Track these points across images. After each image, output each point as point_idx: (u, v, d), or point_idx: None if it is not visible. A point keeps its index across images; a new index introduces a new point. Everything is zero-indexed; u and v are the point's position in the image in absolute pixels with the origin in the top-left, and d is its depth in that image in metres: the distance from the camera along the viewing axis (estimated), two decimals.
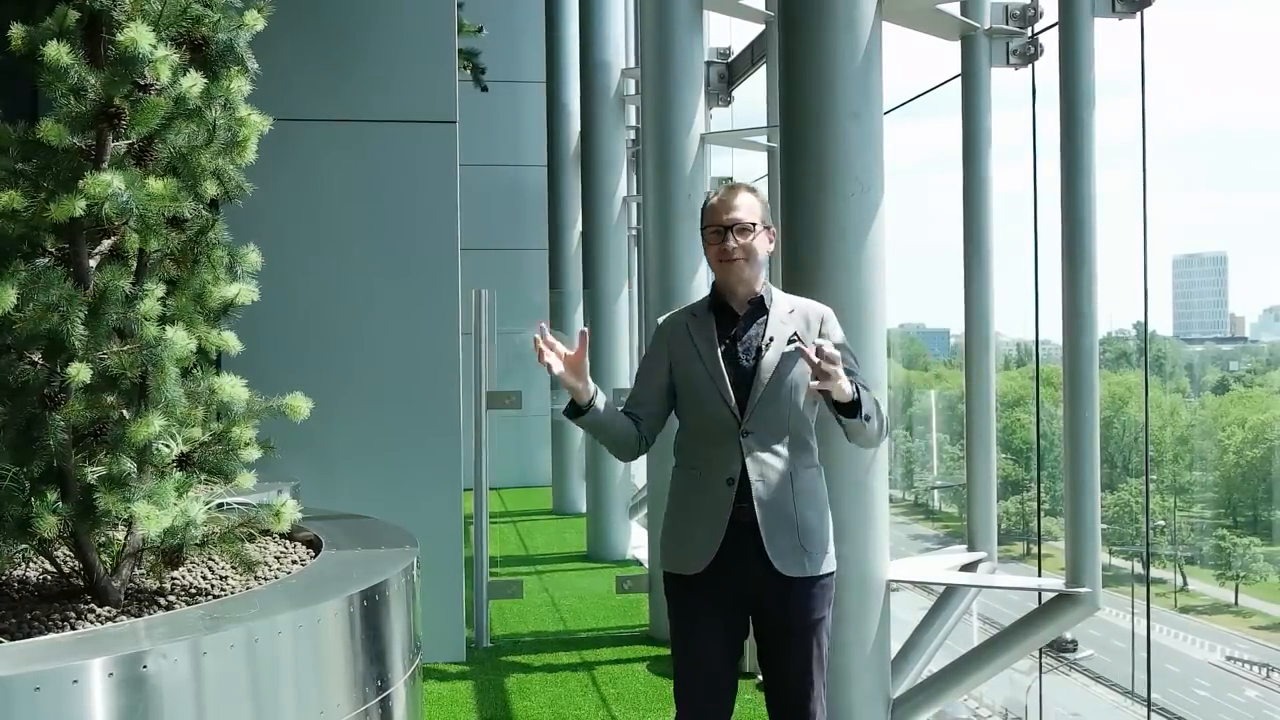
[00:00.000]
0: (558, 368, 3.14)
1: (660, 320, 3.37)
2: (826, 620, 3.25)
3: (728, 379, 3.18)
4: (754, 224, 3.18)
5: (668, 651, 6.93)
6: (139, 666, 2.50)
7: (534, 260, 13.87)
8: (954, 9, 5.39)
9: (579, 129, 11.07)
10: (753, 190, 3.24)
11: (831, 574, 3.25)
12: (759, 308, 3.24)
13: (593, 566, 9.73)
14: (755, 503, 3.14)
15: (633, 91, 10.21)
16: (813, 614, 3.20)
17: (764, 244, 3.23)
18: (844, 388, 2.98)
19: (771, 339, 3.20)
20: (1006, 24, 5.48)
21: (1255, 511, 52.25)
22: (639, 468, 10.17)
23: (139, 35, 2.93)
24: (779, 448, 3.19)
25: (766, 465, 3.17)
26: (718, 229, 3.19)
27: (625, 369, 10.62)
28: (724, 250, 3.18)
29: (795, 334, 3.20)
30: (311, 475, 5.74)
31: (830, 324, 3.26)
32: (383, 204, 6.27)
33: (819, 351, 2.94)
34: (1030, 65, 5.50)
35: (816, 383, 2.97)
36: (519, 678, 6.33)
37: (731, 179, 3.10)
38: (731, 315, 3.25)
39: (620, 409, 3.33)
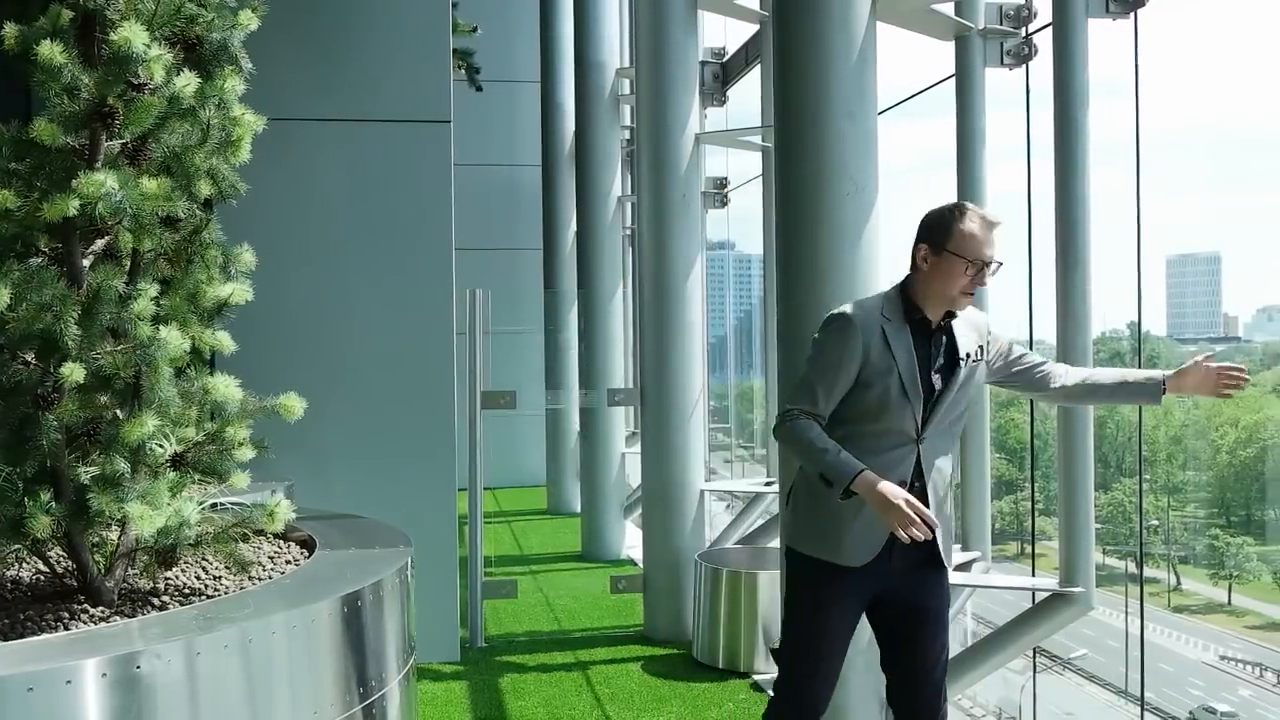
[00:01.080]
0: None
1: (847, 314, 3.26)
2: None
3: (921, 397, 3.24)
4: (1000, 262, 3.26)
5: (662, 651, 6.98)
6: (133, 667, 2.50)
7: (528, 260, 13.86)
8: (948, 9, 5.39)
9: (574, 129, 11.06)
10: (1001, 224, 3.28)
11: None
12: (947, 322, 3.30)
13: (587, 566, 9.74)
14: (930, 503, 3.23)
15: (627, 91, 10.21)
16: (949, 601, 3.42)
17: None
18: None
19: (968, 354, 3.30)
20: (1001, 24, 5.48)
21: (1248, 511, 52.36)
22: (633, 467, 10.16)
23: (133, 35, 2.92)
24: (947, 449, 3.33)
25: (938, 469, 3.29)
26: (979, 264, 3.20)
27: (620, 369, 10.62)
28: (976, 284, 3.22)
29: (979, 347, 3.33)
30: (306, 475, 5.74)
31: (995, 329, 3.41)
32: (377, 204, 6.26)
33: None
34: (1024, 65, 5.50)
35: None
36: (513, 678, 6.33)
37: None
38: (924, 327, 3.28)
39: (809, 416, 3.26)
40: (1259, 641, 45.00)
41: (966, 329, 3.32)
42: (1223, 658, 43.59)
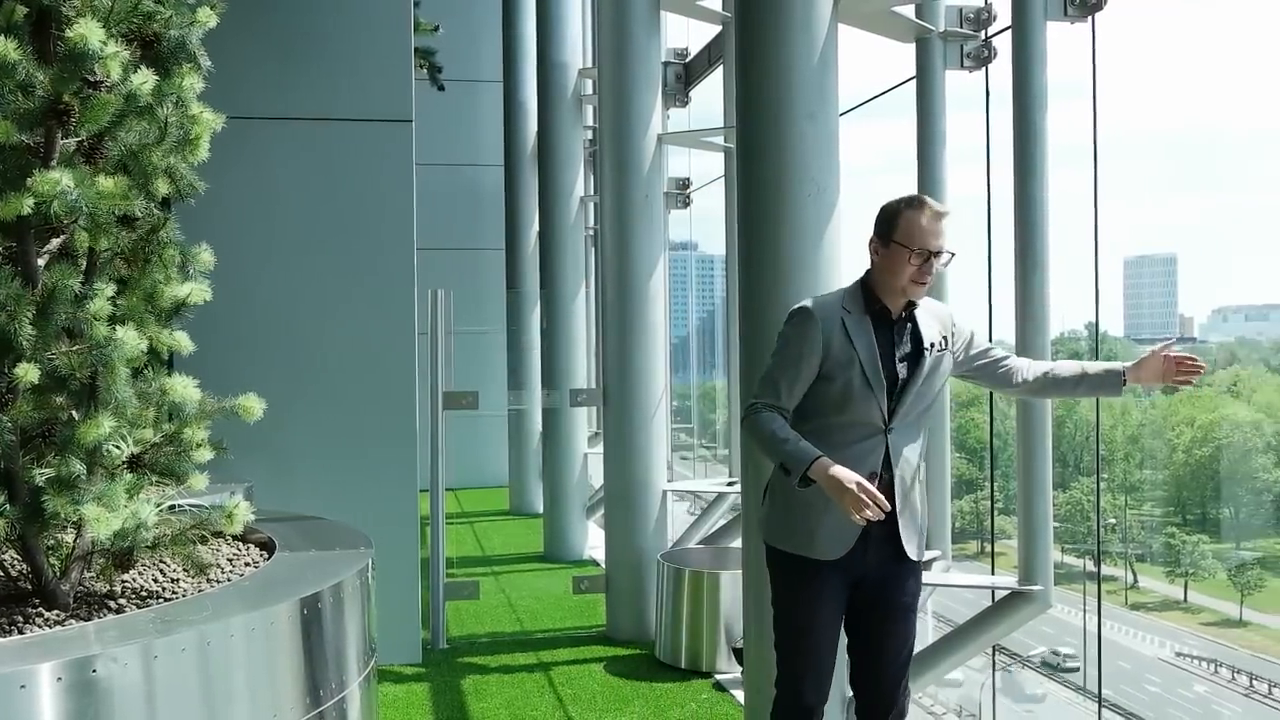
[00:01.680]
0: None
1: (807, 307, 3.32)
2: None
3: (885, 387, 3.27)
4: (952, 252, 3.30)
5: (624, 651, 6.98)
6: (88, 671, 2.47)
7: (491, 260, 13.83)
8: (909, 11, 5.42)
9: (536, 128, 11.04)
10: (949, 214, 3.32)
11: None
12: (910, 313, 3.34)
13: (549, 567, 9.73)
14: (897, 494, 3.28)
15: (590, 91, 10.21)
16: (918, 594, 3.43)
17: None
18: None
19: (931, 344, 3.33)
20: (961, 27, 5.52)
21: (1204, 510, 53.00)
22: (595, 468, 10.16)
23: (89, 31, 2.89)
24: (915, 440, 3.37)
25: (906, 460, 3.32)
26: (923, 252, 3.24)
27: (582, 370, 10.61)
28: (926, 274, 3.26)
29: (943, 337, 3.36)
30: (265, 476, 5.70)
31: (959, 320, 3.44)
32: (338, 203, 6.23)
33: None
34: (984, 68, 5.54)
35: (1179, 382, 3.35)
36: (475, 679, 6.31)
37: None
38: (885, 318, 3.32)
39: (771, 409, 3.28)
40: (1214, 638, 45.56)
41: (930, 319, 3.36)
42: (1179, 654, 44.09)
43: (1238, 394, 54.29)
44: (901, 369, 3.29)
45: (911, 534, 3.34)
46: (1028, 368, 3.50)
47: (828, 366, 3.25)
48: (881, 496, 3.11)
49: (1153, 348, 3.39)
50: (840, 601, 3.37)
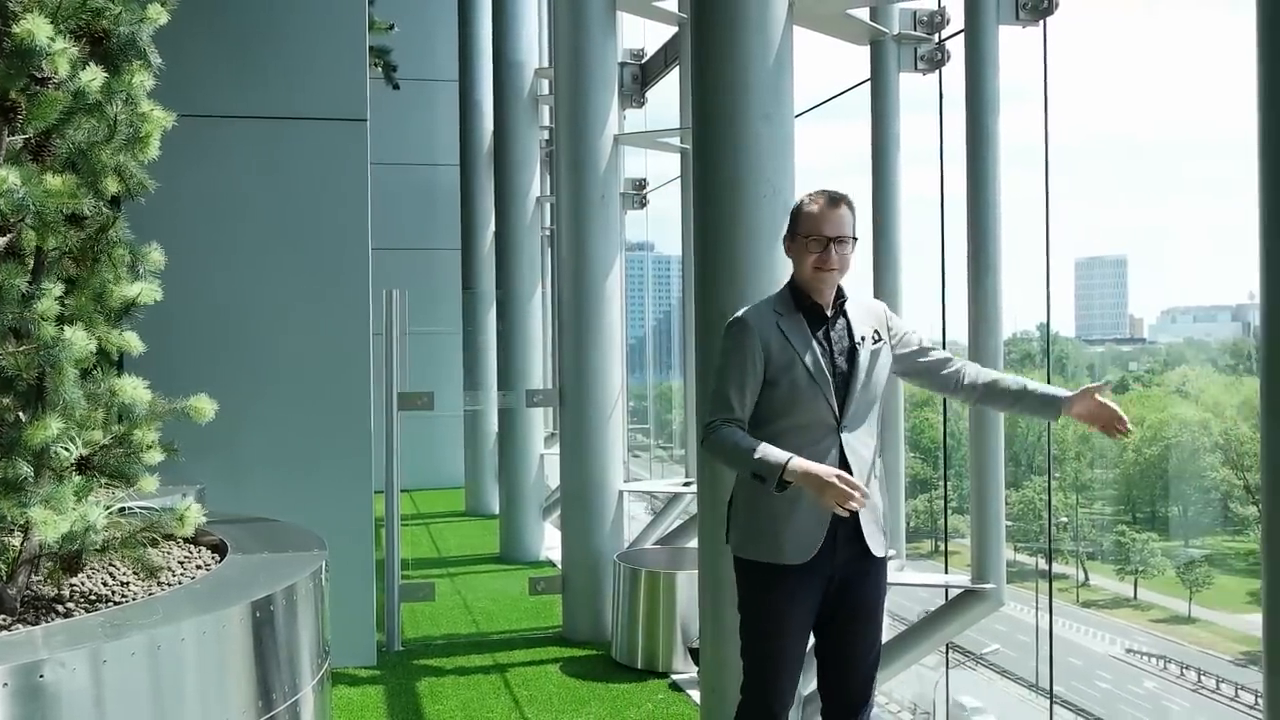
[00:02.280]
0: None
1: (740, 317, 3.37)
2: None
3: (830, 382, 3.30)
4: (854, 237, 3.36)
5: (581, 653, 6.97)
6: (35, 676, 2.43)
7: (447, 260, 13.77)
8: (863, 14, 5.46)
9: (492, 128, 11.01)
10: (850, 203, 3.38)
11: None
12: (840, 307, 3.39)
13: (506, 568, 9.70)
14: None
15: (546, 92, 10.19)
16: (884, 592, 3.46)
17: (853, 254, 3.39)
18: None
19: (863, 337, 3.37)
20: (915, 30, 5.56)
21: (1153, 508, 53.72)
22: (551, 469, 10.14)
23: (36, 27, 2.85)
24: (867, 437, 3.38)
25: (860, 456, 3.33)
26: (819, 239, 3.30)
27: (538, 370, 10.59)
28: (825, 261, 3.30)
29: (876, 331, 3.40)
30: (218, 478, 5.64)
31: (892, 315, 3.50)
32: (292, 202, 6.18)
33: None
34: (938, 71, 5.58)
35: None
36: (431, 681, 6.28)
37: (819, 192, 3.22)
38: (818, 315, 3.37)
39: (730, 423, 3.30)
40: (1163, 635, 46.20)
41: (862, 314, 3.41)
42: (1129, 651, 44.66)
43: (1186, 394, 55.08)
44: (842, 363, 3.33)
45: (874, 529, 3.37)
46: (976, 373, 3.51)
47: (771, 371, 3.28)
48: (861, 485, 3.15)
49: (1087, 385, 3.38)
50: (811, 606, 3.37)
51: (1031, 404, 3.45)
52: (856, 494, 3.09)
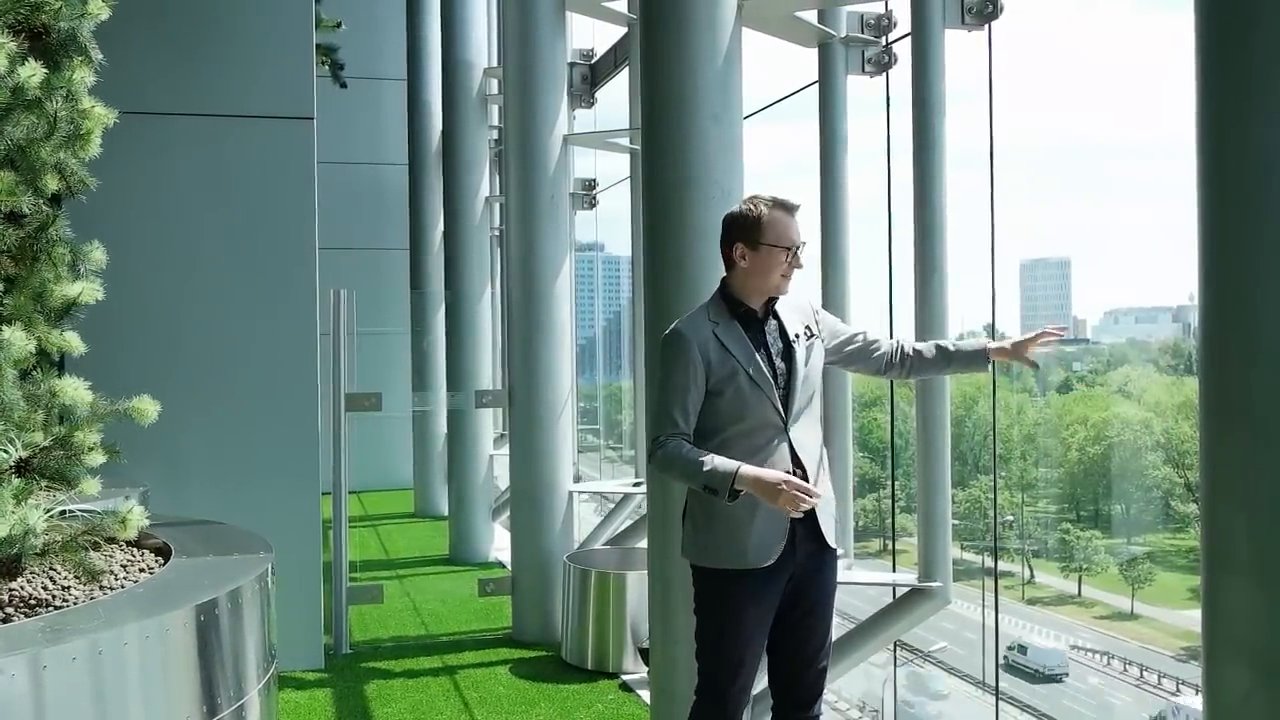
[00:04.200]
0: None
1: (677, 329, 3.37)
2: None
3: (773, 384, 3.33)
4: (804, 241, 3.42)
5: (530, 654, 6.95)
6: None
7: (394, 260, 13.70)
8: (811, 17, 5.49)
9: (441, 128, 10.96)
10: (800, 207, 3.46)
11: None
12: (769, 308, 3.43)
13: (455, 569, 9.67)
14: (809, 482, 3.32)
15: (495, 91, 10.16)
16: (835, 586, 3.51)
17: None
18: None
19: (797, 335, 3.41)
20: (862, 33, 5.60)
21: (1096, 506, 54.44)
22: (501, 469, 10.11)
23: None
24: (812, 430, 3.43)
25: (808, 450, 3.37)
26: (793, 248, 3.36)
27: (487, 371, 10.56)
28: (795, 267, 3.37)
29: (807, 326, 3.45)
30: (162, 481, 5.57)
31: (819, 309, 3.55)
32: (238, 201, 6.12)
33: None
34: (885, 73, 5.62)
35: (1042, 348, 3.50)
36: (379, 684, 6.24)
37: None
38: (751, 319, 3.40)
39: (675, 437, 3.32)
40: (1106, 631, 46.85)
41: (791, 311, 3.45)
42: (1074, 647, 45.24)
43: (1128, 394, 55.90)
44: (780, 363, 3.37)
45: (829, 521, 3.41)
46: (896, 349, 3.61)
47: (713, 382, 3.30)
48: (810, 486, 3.20)
49: (1015, 341, 3.56)
50: (771, 606, 3.39)
51: (962, 361, 3.58)
52: (807, 496, 3.13)
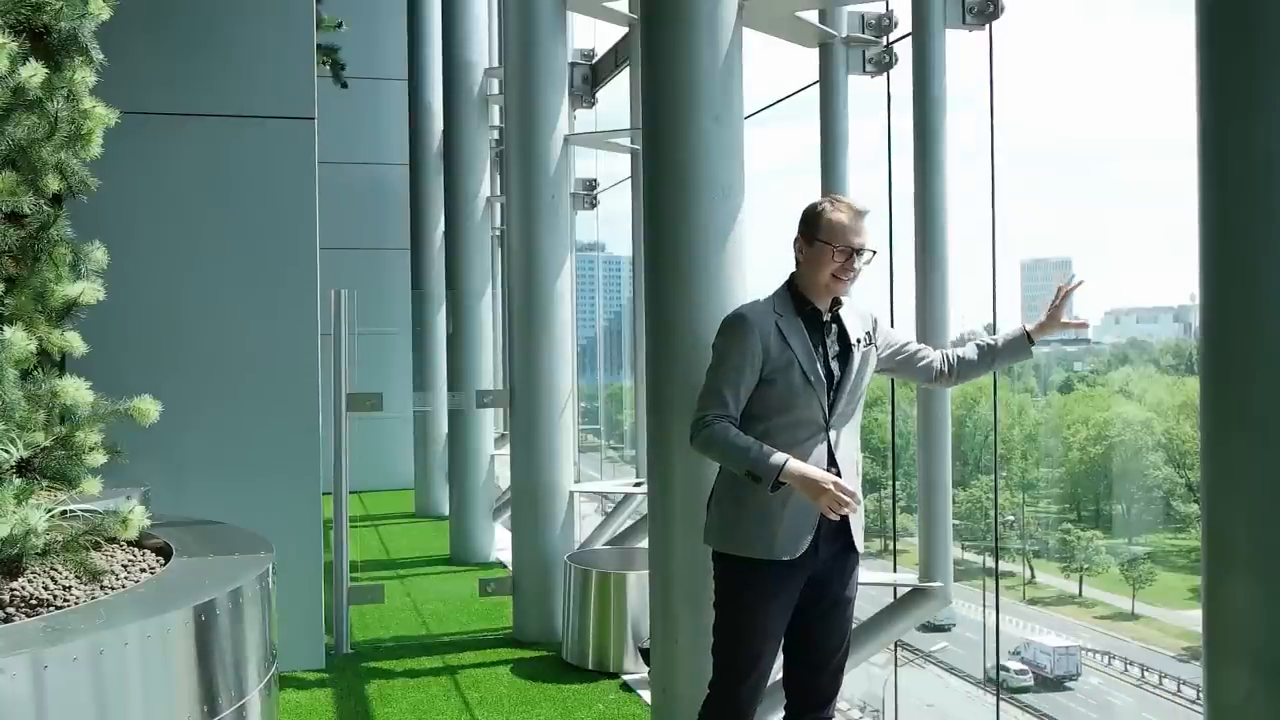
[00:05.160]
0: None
1: (742, 314, 3.43)
2: None
3: (825, 384, 3.38)
4: (873, 250, 3.46)
5: (531, 653, 6.95)
6: None
7: (395, 260, 13.69)
8: (812, 17, 5.49)
9: (441, 128, 10.96)
10: (869, 213, 3.47)
11: None
12: (835, 311, 3.48)
13: (456, 570, 9.66)
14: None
15: (496, 91, 10.16)
16: (856, 587, 3.54)
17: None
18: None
19: (857, 340, 3.46)
20: (863, 33, 5.60)
21: (1097, 506, 54.48)
22: (502, 470, 10.11)
23: None
24: (851, 436, 3.48)
25: (847, 454, 3.42)
26: (847, 250, 3.38)
27: (489, 370, 10.55)
28: (848, 270, 3.40)
29: (866, 333, 3.51)
30: (163, 480, 5.56)
31: (882, 320, 3.61)
32: (239, 201, 6.11)
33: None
34: (886, 73, 5.62)
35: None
36: (380, 684, 6.24)
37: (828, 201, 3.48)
38: (815, 318, 3.44)
39: (722, 419, 3.36)
40: (1107, 631, 46.88)
41: (853, 317, 3.50)
42: (1073, 647, 45.23)
43: (1129, 394, 55.90)
44: (835, 366, 3.41)
45: (858, 525, 3.46)
46: (942, 359, 3.70)
47: (768, 371, 3.34)
48: (855, 492, 3.26)
49: (1048, 309, 3.65)
50: (789, 602, 3.42)
51: (1005, 354, 3.67)
52: (850, 500, 3.19)
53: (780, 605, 3.40)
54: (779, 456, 3.23)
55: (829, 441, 3.37)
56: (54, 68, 3.13)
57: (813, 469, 3.24)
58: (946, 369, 3.69)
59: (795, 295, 3.46)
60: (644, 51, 4.65)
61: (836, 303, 3.48)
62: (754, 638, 3.41)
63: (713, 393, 3.38)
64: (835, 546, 3.42)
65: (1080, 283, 3.73)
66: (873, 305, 3.63)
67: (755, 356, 3.34)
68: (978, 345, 3.71)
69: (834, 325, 3.47)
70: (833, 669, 3.50)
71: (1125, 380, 57.29)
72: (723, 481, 3.50)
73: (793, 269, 3.52)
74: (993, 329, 4.18)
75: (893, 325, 3.80)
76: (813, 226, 3.43)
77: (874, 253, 3.45)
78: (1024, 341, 3.65)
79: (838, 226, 3.38)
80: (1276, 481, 2.51)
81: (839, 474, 3.35)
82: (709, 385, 3.41)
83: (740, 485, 3.36)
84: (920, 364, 3.67)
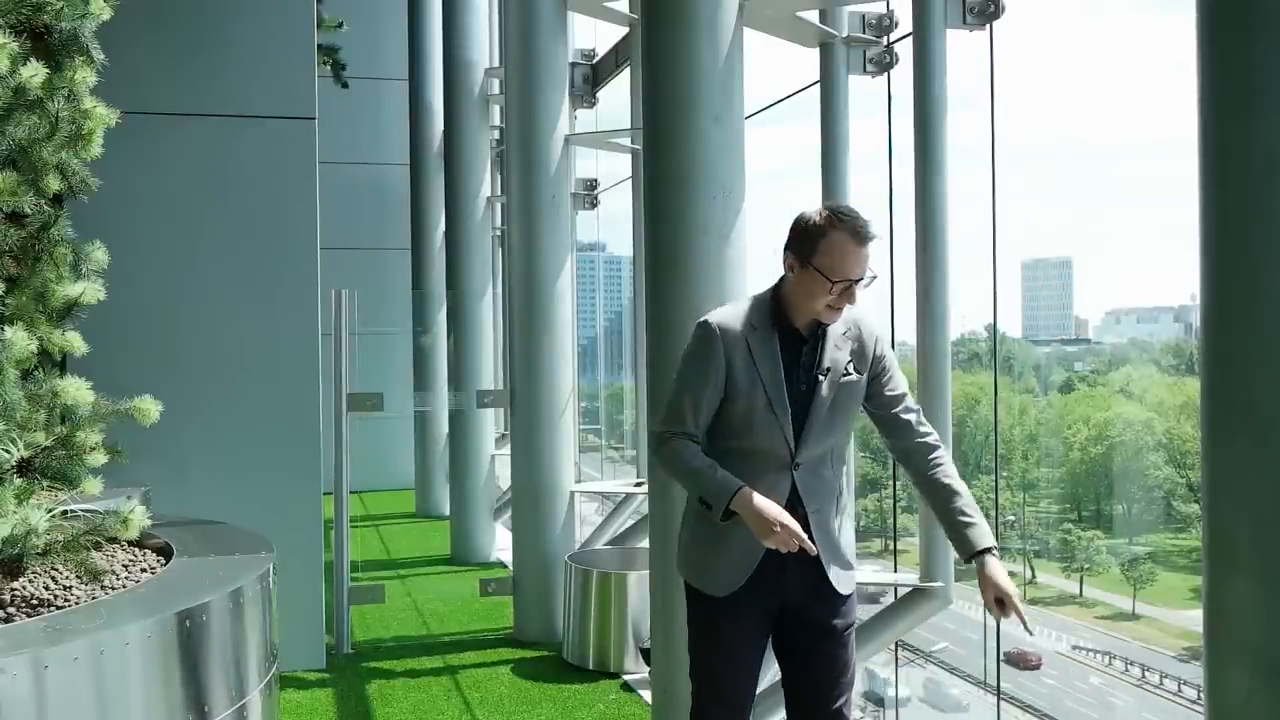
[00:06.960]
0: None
1: (709, 322, 3.05)
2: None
3: (789, 413, 3.01)
4: (874, 275, 3.01)
5: (532, 653, 6.95)
6: None
7: (396, 260, 13.69)
8: (813, 17, 5.49)
9: (442, 128, 10.96)
10: (876, 239, 3.01)
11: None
12: (816, 330, 3.06)
13: (456, 570, 9.66)
14: (812, 529, 3.03)
15: (497, 91, 10.16)
16: (853, 615, 3.18)
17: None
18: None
19: (829, 368, 3.03)
20: (864, 33, 5.60)
21: (1098, 506, 54.42)
22: (502, 469, 10.11)
23: None
24: (826, 472, 3.10)
25: (815, 495, 3.06)
26: (847, 282, 2.94)
27: (490, 370, 10.55)
28: (843, 301, 2.97)
29: (851, 360, 3.06)
30: (164, 481, 5.57)
31: (883, 345, 3.13)
32: (240, 201, 6.12)
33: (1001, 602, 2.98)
34: (886, 73, 5.62)
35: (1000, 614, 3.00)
36: (380, 684, 6.24)
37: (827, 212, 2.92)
38: (793, 336, 3.05)
39: (680, 436, 3.05)
40: (1108, 631, 46.83)
41: (842, 341, 3.07)
42: (1075, 647, 45.23)
43: (1130, 394, 55.87)
44: (805, 393, 3.03)
45: (839, 571, 3.11)
46: (925, 464, 3.15)
47: (730, 388, 3.01)
48: (806, 539, 2.89)
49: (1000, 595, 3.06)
50: (758, 632, 3.14)
51: (951, 526, 3.12)
52: (795, 546, 2.86)
53: (737, 639, 3.13)
54: (733, 484, 2.91)
55: (794, 479, 3.02)
56: (54, 68, 3.13)
57: (768, 505, 2.87)
58: (915, 451, 3.14)
59: (778, 308, 3.05)
60: (644, 51, 4.65)
61: (822, 324, 3.05)
62: (718, 664, 3.17)
63: (673, 408, 3.06)
64: (812, 574, 3.06)
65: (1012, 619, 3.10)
66: (877, 324, 3.15)
67: (718, 373, 2.99)
68: (951, 495, 3.11)
69: (816, 346, 3.05)
70: (831, 700, 3.13)
71: (1126, 380, 57.25)
72: (688, 505, 3.21)
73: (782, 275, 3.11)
74: (994, 329, 4.14)
75: (892, 328, 3.64)
76: (808, 248, 2.95)
77: (874, 277, 2.99)
78: (966, 549, 3.07)
79: (837, 257, 2.92)
80: (1277, 482, 2.51)
81: (805, 513, 3.02)
82: (670, 399, 3.08)
83: (696, 510, 3.11)
84: (900, 421, 3.13)
